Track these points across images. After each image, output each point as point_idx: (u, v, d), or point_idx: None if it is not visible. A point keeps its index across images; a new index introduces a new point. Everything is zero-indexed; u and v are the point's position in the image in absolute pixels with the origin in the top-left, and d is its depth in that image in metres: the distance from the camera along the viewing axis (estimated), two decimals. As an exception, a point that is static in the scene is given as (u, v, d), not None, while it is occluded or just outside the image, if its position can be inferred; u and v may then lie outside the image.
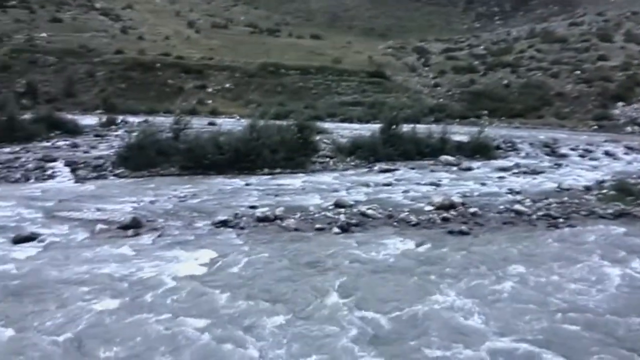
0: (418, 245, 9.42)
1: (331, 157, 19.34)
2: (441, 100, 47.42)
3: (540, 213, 11.86)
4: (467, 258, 8.78)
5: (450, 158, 20.09)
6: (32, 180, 14.74)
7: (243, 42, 61.51)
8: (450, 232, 10.36)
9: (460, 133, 23.67)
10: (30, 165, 16.25)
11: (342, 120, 39.57)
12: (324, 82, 50.00)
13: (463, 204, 12.40)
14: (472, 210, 11.91)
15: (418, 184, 15.63)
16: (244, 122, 21.63)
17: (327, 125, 27.93)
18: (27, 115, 24.28)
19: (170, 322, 6.14)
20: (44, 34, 55.21)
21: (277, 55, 55.91)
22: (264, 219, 10.74)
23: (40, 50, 49.00)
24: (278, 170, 17.08)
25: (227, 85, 48.31)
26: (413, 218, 11.15)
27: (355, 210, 11.74)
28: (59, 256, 8.32)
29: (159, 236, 9.55)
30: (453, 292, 7.26)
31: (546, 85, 45.17)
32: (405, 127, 21.50)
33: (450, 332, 6.15)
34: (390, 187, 15.02)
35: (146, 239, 9.39)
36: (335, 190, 14.33)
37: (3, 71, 44.93)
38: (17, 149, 19.77)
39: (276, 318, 6.33)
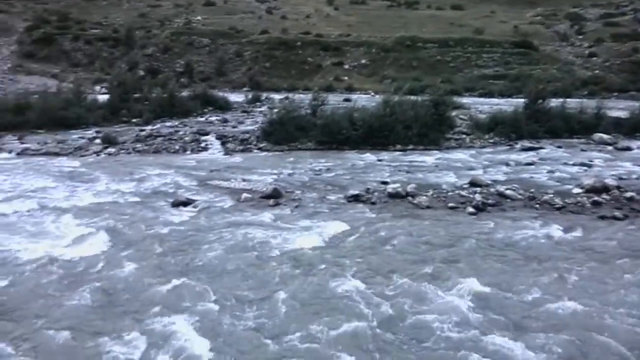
0: (563, 230, 8.75)
1: (468, 134, 18.60)
2: (596, 71, 42.66)
3: None
4: (621, 246, 7.97)
5: (605, 136, 18.13)
6: (188, 152, 16.44)
7: (381, 17, 60.99)
8: (602, 218, 9.44)
9: (618, 108, 21.16)
10: (187, 138, 18.13)
11: (482, 95, 37.66)
12: (463, 54, 47.80)
13: (618, 187, 11.19)
14: (628, 194, 10.70)
15: (565, 164, 14.42)
16: (378, 98, 21.66)
17: (464, 100, 26.84)
18: (184, 93, 26.96)
19: (301, 285, 6.55)
20: (199, 17, 60.27)
21: (415, 28, 54.61)
22: (395, 195, 10.79)
23: (196, 32, 53.63)
24: (411, 146, 16.91)
25: (363, 61, 48.50)
26: (558, 201, 10.36)
27: (492, 190, 11.24)
28: (210, 220, 9.26)
29: (296, 207, 10.11)
30: (609, 286, 6.68)
31: None
32: (553, 102, 19.82)
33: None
34: (533, 167, 14.07)
35: (285, 208, 10.01)
36: (471, 169, 13.82)
37: (164, 53, 50.17)
38: (176, 123, 22.15)
39: (394, 293, 6.41)
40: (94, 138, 18.06)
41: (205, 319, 5.79)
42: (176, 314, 5.88)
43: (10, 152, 15.95)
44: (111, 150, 16.24)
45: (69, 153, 15.87)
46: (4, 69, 42.50)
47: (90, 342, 5.30)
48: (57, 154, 15.68)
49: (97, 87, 35.28)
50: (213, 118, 24.04)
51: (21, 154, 15.75)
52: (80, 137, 18.42)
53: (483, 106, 25.80)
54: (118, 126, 21.16)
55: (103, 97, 25.00)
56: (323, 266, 7.21)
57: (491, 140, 18.18)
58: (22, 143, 17.30)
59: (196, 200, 10.47)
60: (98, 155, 15.73)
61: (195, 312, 5.93)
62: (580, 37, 50.97)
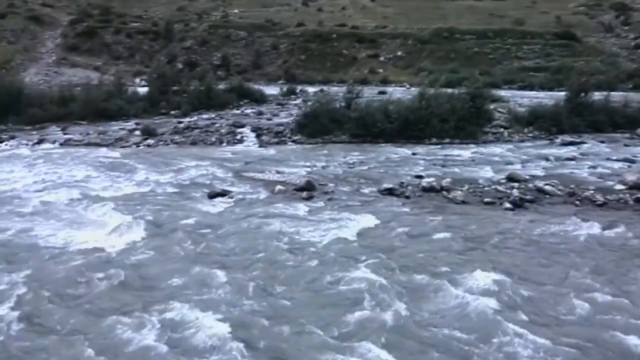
0: (605, 227, 8.47)
1: (506, 128, 18.19)
2: (644, 63, 40.92)
3: None
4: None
5: (651, 131, 17.43)
6: (224, 144, 16.69)
7: (418, 9, 60.08)
8: (645, 216, 9.11)
9: (667, 102, 20.24)
10: (223, 131, 18.40)
11: (521, 88, 36.73)
12: (502, 46, 46.67)
13: (663, 184, 10.76)
14: (675, 192, 10.28)
15: (608, 159, 13.94)
16: (414, 90, 21.41)
17: (503, 93, 26.23)
18: (221, 86, 27.32)
19: (328, 277, 6.59)
20: (236, 10, 60.83)
21: (453, 19, 53.62)
22: (429, 189, 10.68)
23: (233, 25, 54.17)
24: (447, 140, 16.67)
25: (399, 53, 47.98)
26: (599, 197, 10.04)
27: (530, 185, 10.99)
28: (244, 211, 9.40)
29: (329, 199, 10.15)
30: (641, 283, 6.46)
31: None
32: (597, 95, 19.14)
33: None
34: (573, 162, 13.67)
35: (318, 201, 10.06)
36: (509, 163, 13.54)
37: (202, 45, 50.88)
38: (213, 115, 22.50)
39: (425, 288, 6.36)
40: (134, 129, 18.54)
41: (232, 307, 5.90)
42: (206, 300, 6.01)
43: (54, 142, 16.55)
44: (150, 141, 16.65)
45: (110, 144, 16.36)
46: (49, 62, 44.02)
47: (124, 325, 5.48)
48: (98, 145, 16.19)
49: (137, 80, 36.19)
50: (248, 110, 24.30)
51: (64, 144, 16.33)
52: (120, 129, 18.95)
53: (522, 99, 25.14)
54: (157, 118, 21.65)
55: (143, 90, 25.61)
56: (354, 259, 7.21)
57: (530, 134, 17.74)
58: (66, 134, 17.93)
59: (231, 192, 10.63)
60: (137, 146, 16.16)
61: (224, 300, 6.05)
62: (626, 27, 48.97)
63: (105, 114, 21.12)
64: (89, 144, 16.31)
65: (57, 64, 43.82)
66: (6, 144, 16.37)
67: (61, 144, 16.31)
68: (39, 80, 36.14)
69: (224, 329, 5.42)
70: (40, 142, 16.56)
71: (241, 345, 5.17)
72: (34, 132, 18.18)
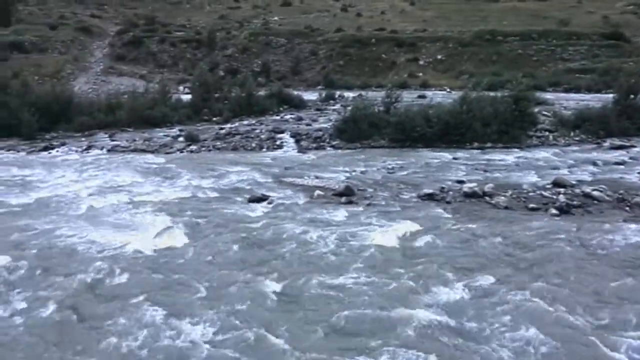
0: (655, 234, 8.13)
1: (551, 131, 17.65)
2: (699, 64, 38.87)
3: None
4: None
5: None
6: (264, 149, 16.90)
7: (458, 11, 59.20)
8: (701, 223, 8.66)
9: None
10: (263, 136, 18.64)
11: (567, 90, 35.59)
12: (547, 47, 45.35)
13: None
14: None
15: (660, 163, 13.35)
16: (455, 94, 21.09)
17: (548, 95, 25.51)
18: (261, 92, 27.68)
19: (364, 284, 6.55)
20: (276, 18, 61.60)
21: (495, 21, 52.57)
22: (471, 195, 10.49)
23: (273, 32, 54.83)
24: (489, 144, 16.33)
25: (439, 56, 47.38)
26: (651, 203, 9.62)
27: (577, 190, 10.63)
28: (283, 216, 9.49)
29: (368, 205, 10.11)
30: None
31: None
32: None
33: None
34: (622, 167, 13.15)
35: (357, 206, 10.04)
36: (555, 168, 13.14)
37: (243, 53, 51.73)
38: (253, 121, 22.80)
39: (466, 294, 6.24)
40: (178, 136, 19.02)
41: (267, 308, 5.96)
42: (244, 303, 6.09)
43: (102, 148, 17.18)
44: (193, 147, 17.04)
45: (155, 150, 16.84)
46: (97, 71, 45.72)
47: (170, 323, 5.62)
48: (144, 151, 16.69)
49: (181, 87, 37.10)
50: (288, 116, 24.51)
51: (111, 150, 16.92)
52: (165, 135, 19.47)
53: (568, 102, 24.35)
54: (200, 124, 22.13)
55: (186, 97, 26.25)
56: (393, 265, 7.17)
57: (577, 138, 17.16)
58: (113, 140, 18.58)
59: (271, 197, 10.75)
60: (181, 152, 16.57)
61: (260, 301, 6.12)
62: (680, 26, 46.70)
63: (151, 121, 21.74)
64: (135, 150, 16.84)
65: (104, 73, 45.46)
66: (57, 151, 17.11)
67: (109, 151, 16.91)
68: (87, 89, 37.60)
69: (261, 333, 5.48)
70: (89, 148, 17.23)
71: (273, 345, 5.22)
72: (83, 139, 18.92)
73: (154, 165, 14.36)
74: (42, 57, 45.02)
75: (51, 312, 6.04)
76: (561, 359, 5.01)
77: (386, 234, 8.40)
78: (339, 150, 16.49)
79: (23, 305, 6.20)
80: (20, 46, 45.52)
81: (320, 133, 18.54)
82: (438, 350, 5.18)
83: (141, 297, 6.38)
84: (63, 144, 17.97)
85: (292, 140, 18.17)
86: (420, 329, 5.56)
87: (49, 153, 16.80)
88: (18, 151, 17.01)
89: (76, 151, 16.86)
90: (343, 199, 10.44)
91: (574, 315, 5.76)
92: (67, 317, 5.92)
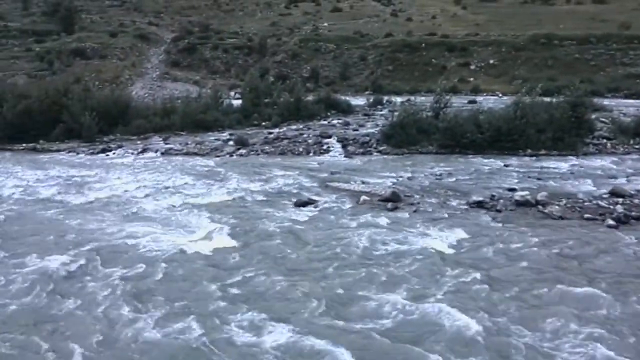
0: None
1: (609, 139, 16.88)
2: None
3: None
4: None
5: None
6: (311, 154, 17.03)
7: (512, 15, 57.71)
8: None
9: None
10: (310, 141, 18.78)
11: (627, 96, 33.96)
12: (606, 52, 43.45)
13: None
14: None
15: None
16: (507, 99, 20.53)
17: (606, 102, 24.42)
18: (310, 97, 27.92)
19: (405, 293, 6.47)
20: (325, 24, 62.03)
21: (551, 25, 50.84)
22: (523, 203, 10.17)
23: (323, 38, 55.25)
24: (543, 151, 15.78)
25: (491, 61, 46.31)
26: None
27: (636, 200, 10.12)
28: (329, 220, 9.53)
29: (415, 211, 10.00)
30: None
31: None
32: None
33: None
34: (687, 177, 12.41)
35: (403, 212, 9.95)
36: (612, 177, 12.55)
37: (293, 59, 52.39)
38: (301, 126, 23.01)
39: (514, 310, 6.05)
40: (228, 140, 19.46)
41: (311, 314, 5.99)
42: (287, 309, 6.15)
43: (156, 151, 17.81)
44: (242, 151, 17.40)
45: (206, 153, 17.30)
46: (153, 77, 47.48)
47: (212, 329, 5.76)
48: (195, 154, 17.19)
49: (232, 93, 37.96)
50: (335, 121, 24.58)
51: (165, 153, 17.52)
52: (216, 139, 19.97)
53: (628, 108, 23.23)
54: (249, 129, 22.56)
55: (237, 102, 26.84)
56: (438, 274, 7.05)
57: (637, 146, 16.31)
58: (167, 144, 19.22)
59: (317, 201, 10.82)
60: (231, 156, 16.95)
61: (305, 307, 6.16)
62: None
63: (203, 125, 22.36)
64: (187, 154, 17.37)
65: (160, 78, 47.15)
66: (113, 153, 17.88)
67: (162, 153, 17.52)
68: (144, 93, 39.10)
69: (308, 340, 5.52)
70: (144, 151, 17.91)
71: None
72: (139, 142, 19.68)
73: (205, 168, 14.76)
74: (102, 63, 47.24)
75: (103, 307, 6.31)
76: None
77: (432, 241, 8.27)
78: (386, 156, 16.39)
79: (78, 301, 6.50)
80: (82, 53, 48.01)
81: (367, 138, 18.49)
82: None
83: (187, 297, 6.57)
84: (120, 147, 18.77)
85: (338, 145, 18.21)
86: (464, 338, 5.43)
87: (107, 155, 17.60)
88: (78, 153, 17.91)
89: (132, 153, 17.56)
90: (389, 205, 10.36)
91: (631, 329, 5.49)
92: (117, 313, 6.17)
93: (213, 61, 53.23)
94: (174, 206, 10.61)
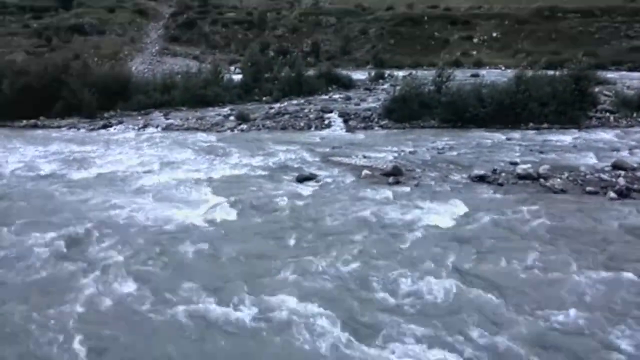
0: None
1: (612, 112, 16.77)
2: None
3: None
4: None
5: None
6: (312, 129, 16.96)
7: (516, -14, 56.65)
8: None
9: None
10: (311, 116, 18.69)
11: (631, 69, 33.67)
12: (610, 24, 42.88)
13: None
14: None
15: None
16: (510, 73, 20.34)
17: (610, 75, 24.23)
18: (310, 72, 27.69)
19: (402, 267, 6.52)
20: (326, -3, 61.04)
21: (555, -3, 50.00)
22: (525, 177, 10.17)
23: (323, 12, 54.52)
24: (545, 125, 15.71)
25: (495, 34, 45.74)
26: None
27: (639, 173, 10.10)
28: (331, 195, 9.55)
29: (416, 185, 10.00)
30: None
31: None
32: None
33: None
34: (691, 150, 12.37)
35: (405, 187, 9.96)
36: (615, 150, 12.51)
37: (293, 33, 51.79)
38: (302, 101, 22.89)
39: (516, 282, 6.10)
40: (229, 115, 19.38)
41: (312, 284, 6.05)
42: (289, 281, 6.21)
43: (157, 127, 17.75)
44: (243, 126, 17.34)
45: (207, 129, 17.24)
46: (152, 52, 47.04)
47: (214, 294, 5.83)
48: (196, 130, 17.14)
49: (232, 68, 37.67)
50: (336, 96, 24.44)
51: (166, 128, 17.47)
52: (216, 114, 19.87)
53: (632, 81, 23.03)
54: (250, 104, 22.44)
55: (237, 77, 26.65)
56: (439, 247, 7.09)
57: (640, 119, 16.24)
58: (167, 119, 19.14)
59: (319, 176, 10.83)
60: (232, 131, 16.90)
61: (307, 281, 6.22)
62: None
63: (203, 101, 22.24)
64: (188, 129, 17.31)
65: (159, 53, 46.71)
66: (115, 128, 17.84)
67: (163, 129, 17.46)
68: (144, 69, 38.81)
69: (310, 307, 5.59)
70: (145, 126, 17.85)
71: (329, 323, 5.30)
72: (140, 117, 19.60)
73: (206, 144, 14.73)
74: (101, 39, 46.75)
75: (105, 280, 6.38)
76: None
77: (433, 215, 8.29)
78: (388, 130, 16.33)
79: (79, 273, 6.57)
80: (80, 29, 47.47)
81: (369, 113, 18.40)
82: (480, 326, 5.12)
83: (188, 269, 6.63)
84: (120, 122, 18.70)
85: (340, 119, 18.13)
86: (463, 311, 5.50)
87: (108, 130, 17.56)
88: (78, 129, 17.87)
89: (133, 129, 17.51)
90: (391, 179, 10.37)
91: (627, 299, 5.54)
92: (119, 286, 6.23)
93: (212, 36, 52.67)
94: (175, 181, 10.62)
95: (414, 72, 26.83)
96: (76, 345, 5.07)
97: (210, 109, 21.40)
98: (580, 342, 4.91)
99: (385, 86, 26.02)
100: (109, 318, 5.55)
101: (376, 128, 16.75)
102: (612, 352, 4.75)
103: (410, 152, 12.89)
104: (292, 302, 5.70)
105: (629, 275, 6.10)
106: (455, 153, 12.71)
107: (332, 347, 4.92)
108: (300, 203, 9.11)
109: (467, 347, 4.84)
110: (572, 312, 5.36)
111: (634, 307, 5.46)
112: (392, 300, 5.72)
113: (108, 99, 20.86)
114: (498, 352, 4.79)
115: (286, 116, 18.76)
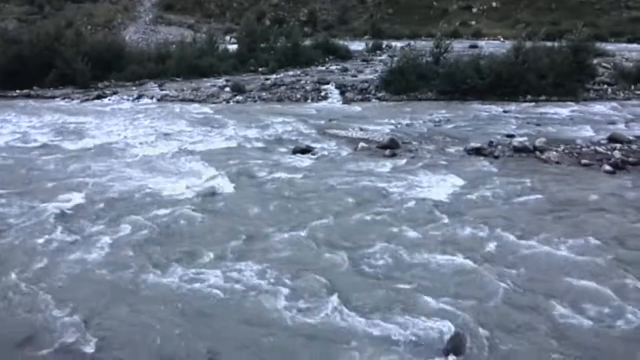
0: None
1: (610, 84, 16.70)
2: None
3: None
4: None
5: None
6: (309, 101, 16.85)
7: (517, -46, 55.51)
8: None
9: None
10: (308, 87, 18.54)
11: (631, 41, 33.36)
12: (612, -6, 42.28)
13: None
14: None
15: None
16: (509, 44, 20.13)
17: (609, 46, 23.98)
18: (307, 42, 27.35)
19: (399, 236, 6.58)
20: (323, -36, 59.66)
21: (557, -35, 49.07)
22: (521, 149, 10.17)
23: (320, -21, 53.35)
24: (543, 97, 15.64)
25: (494, 4, 45.06)
26: None
27: (634, 146, 10.13)
28: (327, 167, 9.55)
29: (413, 158, 10.00)
30: None
31: None
32: None
33: None
34: (687, 123, 12.38)
35: (401, 159, 9.95)
36: (612, 123, 12.51)
37: (289, 2, 50.88)
38: (299, 72, 22.68)
39: (511, 251, 6.17)
40: (224, 86, 19.19)
41: (305, 254, 6.11)
42: (283, 249, 6.27)
43: (152, 98, 17.59)
44: (239, 98, 17.19)
45: (202, 100, 17.10)
46: (146, 20, 46.21)
47: (213, 262, 5.88)
48: (192, 101, 17.00)
49: (228, 37, 37.09)
50: (333, 67, 24.21)
51: (161, 99, 17.32)
52: (212, 85, 19.68)
53: (631, 53, 22.86)
54: (246, 75, 22.22)
55: (233, 47, 26.30)
56: (434, 220, 7.13)
57: (638, 92, 16.18)
58: (162, 90, 18.96)
59: (315, 148, 10.80)
60: (227, 102, 16.76)
61: (299, 247, 6.27)
62: None
63: (198, 71, 21.99)
64: (183, 100, 17.17)
65: (153, 22, 45.91)
66: (109, 99, 17.65)
67: (158, 100, 17.31)
68: (137, 38, 38.19)
69: (308, 275, 5.65)
70: (139, 97, 17.67)
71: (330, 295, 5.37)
72: (134, 88, 19.38)
73: (201, 115, 14.63)
74: (94, 6, 45.81)
75: (106, 250, 6.40)
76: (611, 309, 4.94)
77: (429, 187, 8.32)
78: (385, 102, 16.24)
79: (76, 244, 6.59)
80: (72, -4, 46.39)
81: (366, 84, 18.26)
82: (480, 294, 5.20)
83: (184, 241, 6.66)
84: (115, 93, 18.51)
85: (337, 91, 18.00)
86: (461, 277, 5.57)
87: (102, 101, 17.39)
88: (72, 99, 17.69)
89: (127, 100, 17.35)
90: (387, 152, 10.36)
91: (620, 269, 5.62)
92: (117, 255, 6.27)
93: (207, 4, 51.71)
94: (170, 152, 10.58)
95: (412, 42, 26.55)
96: (64, 310, 5.10)
97: (206, 79, 21.18)
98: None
99: (383, 57, 25.77)
100: (97, 285, 5.58)
101: (373, 100, 16.64)
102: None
103: (407, 125, 12.84)
104: (280, 267, 5.76)
105: (614, 245, 6.17)
106: (452, 125, 12.67)
107: (316, 310, 4.99)
108: (296, 176, 9.10)
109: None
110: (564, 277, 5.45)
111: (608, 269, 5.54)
112: (378, 268, 5.78)
113: (102, 69, 20.61)
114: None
115: (282, 87, 18.61)
